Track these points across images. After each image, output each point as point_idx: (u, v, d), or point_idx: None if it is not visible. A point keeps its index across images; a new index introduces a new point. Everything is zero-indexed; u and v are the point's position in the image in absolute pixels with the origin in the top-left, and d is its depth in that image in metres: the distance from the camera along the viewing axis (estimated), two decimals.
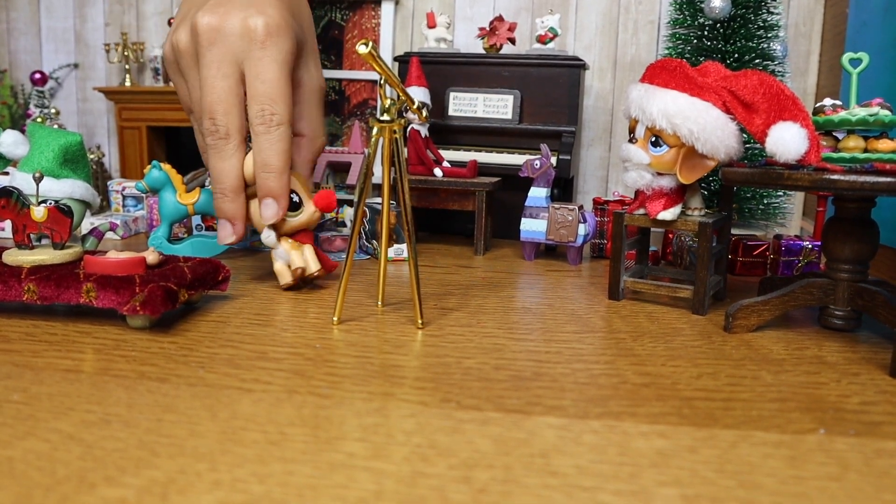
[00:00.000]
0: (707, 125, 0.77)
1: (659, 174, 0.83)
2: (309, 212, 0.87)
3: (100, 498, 0.37)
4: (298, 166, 0.91)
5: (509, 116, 1.32)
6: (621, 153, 0.85)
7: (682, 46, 1.11)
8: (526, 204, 1.13)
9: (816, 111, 0.74)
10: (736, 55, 1.06)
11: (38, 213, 0.75)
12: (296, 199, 0.86)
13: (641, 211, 0.86)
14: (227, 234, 0.84)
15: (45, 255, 0.74)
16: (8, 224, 1.21)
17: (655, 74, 0.82)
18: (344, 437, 0.45)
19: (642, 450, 0.45)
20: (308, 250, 0.87)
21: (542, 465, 0.43)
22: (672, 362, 0.64)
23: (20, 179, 0.92)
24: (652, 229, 0.97)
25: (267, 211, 0.83)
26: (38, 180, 0.77)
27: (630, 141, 0.84)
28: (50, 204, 0.77)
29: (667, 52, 1.12)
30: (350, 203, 1.23)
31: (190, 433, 0.46)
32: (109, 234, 1.21)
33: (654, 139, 0.81)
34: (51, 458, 0.42)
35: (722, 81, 0.78)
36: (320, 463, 0.42)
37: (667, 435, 0.48)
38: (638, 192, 0.87)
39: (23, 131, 1.31)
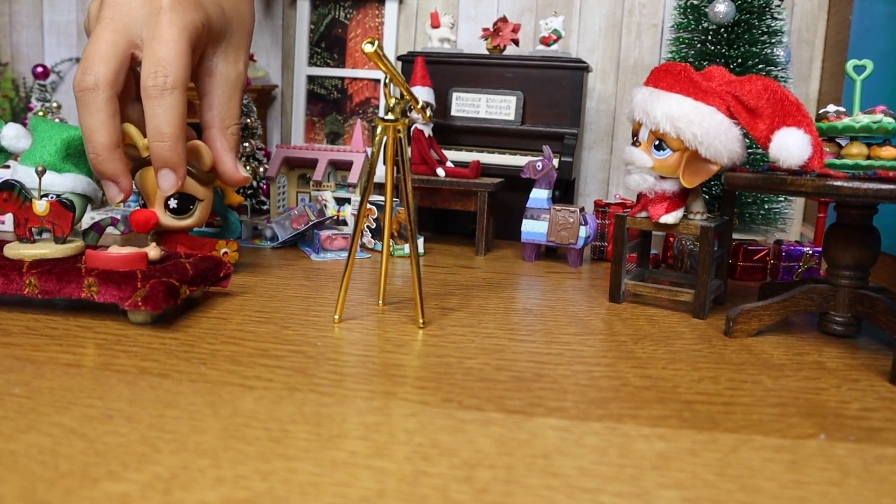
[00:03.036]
0: (711, 129, 0.77)
1: (662, 177, 0.83)
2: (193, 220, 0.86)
3: (103, 493, 0.37)
4: (216, 160, 0.86)
5: (512, 117, 1.32)
6: (624, 156, 0.85)
7: (685, 50, 1.11)
8: (527, 205, 1.13)
9: (820, 117, 0.74)
10: (739, 60, 1.06)
11: (40, 207, 0.75)
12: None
13: (643, 214, 0.86)
14: (115, 193, 0.80)
15: (46, 249, 0.74)
16: (9, 218, 1.21)
17: (660, 78, 0.82)
18: (346, 436, 0.46)
19: (643, 452, 0.45)
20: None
21: (544, 466, 0.43)
22: (673, 366, 0.64)
23: (22, 173, 0.93)
24: (653, 232, 0.97)
25: (164, 182, 0.79)
26: (40, 174, 0.77)
27: (633, 144, 0.85)
28: (52, 198, 0.77)
29: (670, 55, 1.12)
30: (349, 201, 1.23)
31: (192, 429, 0.46)
32: (110, 230, 1.21)
33: (657, 142, 0.81)
34: (53, 452, 0.42)
35: (726, 86, 0.78)
36: (322, 461, 0.42)
37: (668, 438, 0.48)
38: (640, 195, 0.87)
39: (24, 125, 1.31)
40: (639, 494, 0.40)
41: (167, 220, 0.84)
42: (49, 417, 0.47)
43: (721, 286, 0.89)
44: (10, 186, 0.75)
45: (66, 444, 0.43)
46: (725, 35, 1.08)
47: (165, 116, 0.76)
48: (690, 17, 1.11)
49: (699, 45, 1.10)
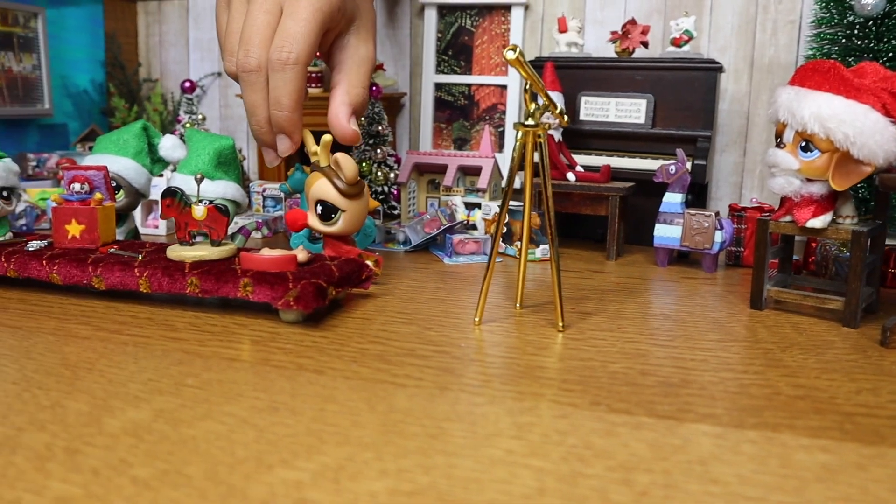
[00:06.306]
0: (865, 129, 0.73)
1: (808, 180, 0.80)
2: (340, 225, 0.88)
3: (279, 478, 0.40)
4: (330, 111, 0.88)
5: (642, 121, 1.30)
6: (768, 158, 0.82)
7: (827, 47, 1.07)
8: (660, 210, 1.11)
9: None
10: (890, 54, 1.01)
11: (199, 211, 0.80)
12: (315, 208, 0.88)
13: (788, 218, 0.83)
14: (272, 158, 0.87)
15: (204, 252, 0.79)
16: (162, 223, 1.29)
17: (807, 76, 0.79)
18: (500, 434, 0.46)
19: (805, 463, 0.44)
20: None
21: (702, 472, 0.42)
22: (826, 375, 0.61)
23: (179, 181, 0.99)
24: (795, 237, 0.93)
25: (281, 145, 0.85)
26: (199, 181, 0.82)
27: (777, 146, 0.82)
28: (208, 203, 0.82)
29: (811, 53, 1.08)
30: (478, 206, 1.25)
31: (352, 423, 0.48)
32: (255, 233, 1.28)
33: (803, 144, 0.78)
34: (229, 439, 0.45)
35: (881, 83, 0.75)
36: (481, 458, 0.43)
37: (830, 450, 0.46)
38: (784, 199, 0.84)
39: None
40: None
41: (315, 223, 0.88)
42: (220, 407, 0.50)
43: (872, 294, 0.85)
44: (172, 193, 0.80)
45: (240, 433, 0.46)
46: (874, 28, 1.03)
47: (285, 88, 0.81)
48: (833, 11, 1.06)
49: (844, 41, 1.05)
